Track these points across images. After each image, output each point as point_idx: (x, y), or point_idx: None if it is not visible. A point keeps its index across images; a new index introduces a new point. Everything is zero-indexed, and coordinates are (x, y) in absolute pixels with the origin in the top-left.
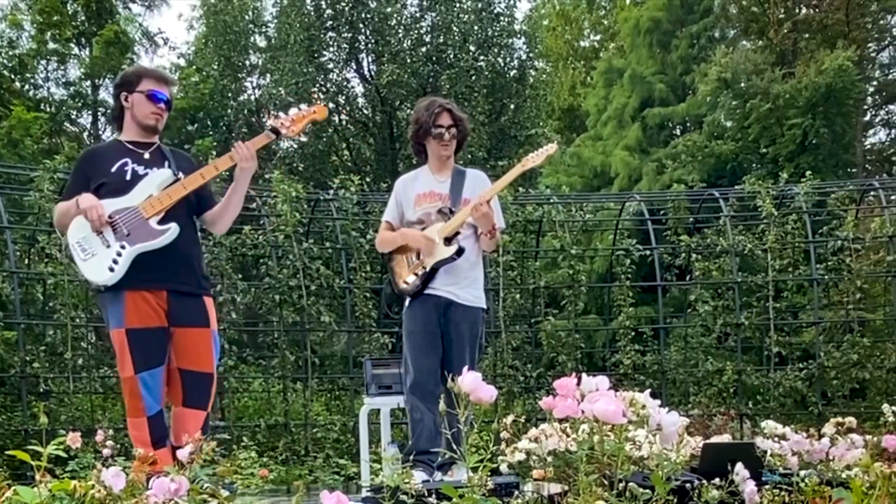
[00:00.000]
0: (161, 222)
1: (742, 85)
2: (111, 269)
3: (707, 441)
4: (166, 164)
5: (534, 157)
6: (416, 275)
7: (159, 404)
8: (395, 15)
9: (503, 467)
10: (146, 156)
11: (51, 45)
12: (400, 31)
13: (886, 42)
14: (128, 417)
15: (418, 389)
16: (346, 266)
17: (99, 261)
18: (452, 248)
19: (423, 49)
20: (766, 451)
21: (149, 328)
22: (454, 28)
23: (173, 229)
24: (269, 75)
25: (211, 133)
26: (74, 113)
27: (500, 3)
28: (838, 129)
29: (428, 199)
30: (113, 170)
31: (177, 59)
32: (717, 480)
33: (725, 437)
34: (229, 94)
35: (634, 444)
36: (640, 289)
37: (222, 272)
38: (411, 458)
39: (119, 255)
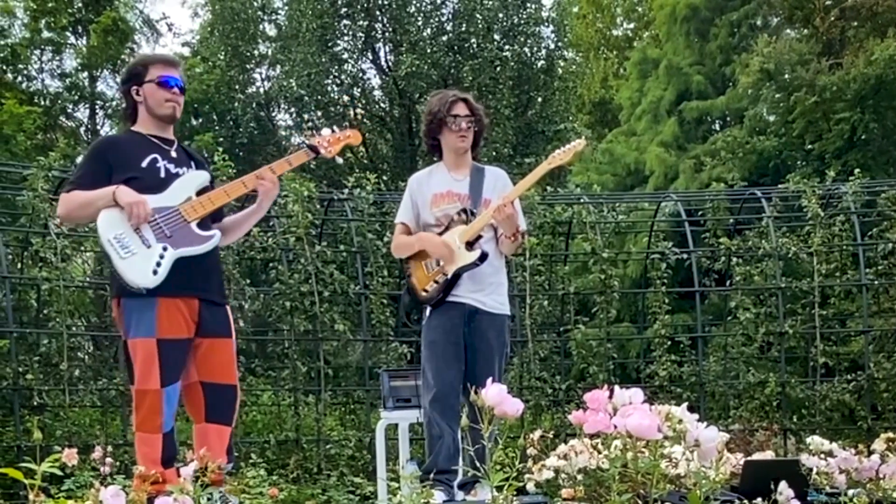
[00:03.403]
0: (200, 227)
1: (786, 77)
2: (154, 273)
3: (748, 458)
4: (193, 165)
5: (561, 153)
6: (436, 282)
7: (173, 422)
8: (415, 1)
9: (530, 486)
10: (173, 153)
11: (45, 34)
12: (419, 18)
13: None
14: (139, 432)
15: (439, 404)
16: (362, 270)
17: (141, 261)
18: (475, 254)
19: (445, 38)
20: (811, 469)
21: (179, 339)
22: (477, 15)
23: (216, 237)
24: (279, 66)
25: (217, 128)
26: (70, 106)
27: None
28: (889, 123)
29: (446, 200)
30: (144, 164)
31: (181, 48)
32: (759, 500)
33: (768, 454)
34: (237, 87)
35: (670, 461)
36: (677, 295)
37: (229, 277)
38: (431, 476)
39: (162, 257)
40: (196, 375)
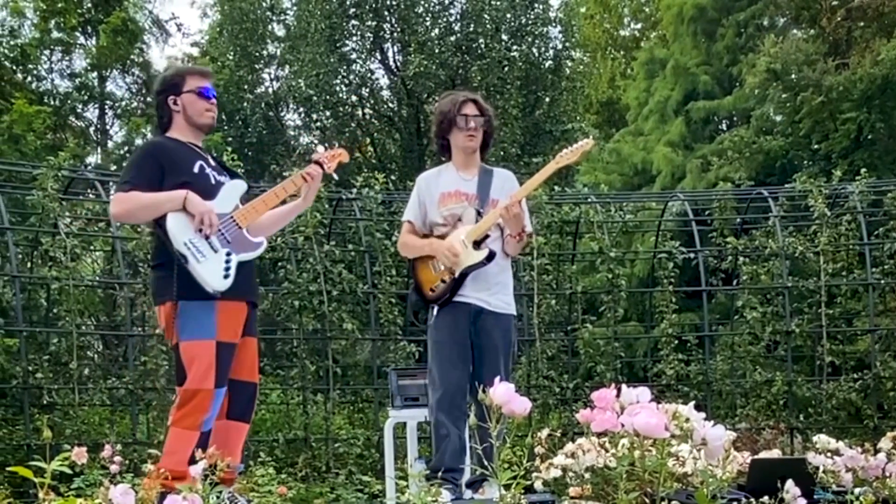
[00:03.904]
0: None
1: (792, 77)
2: (226, 276)
3: (755, 457)
4: (226, 174)
5: (568, 153)
6: (443, 281)
7: (211, 424)
8: (423, 2)
9: (537, 484)
10: (212, 161)
11: (55, 34)
12: (427, 19)
13: None
14: (176, 427)
15: (445, 403)
16: (371, 270)
17: (214, 265)
18: (482, 253)
19: (453, 38)
20: (818, 468)
21: (232, 344)
22: (485, 16)
23: (264, 243)
24: (287, 66)
25: (226, 127)
26: (80, 106)
27: None
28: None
29: (454, 199)
30: (195, 170)
31: (190, 49)
32: (766, 499)
33: (775, 453)
34: (245, 87)
35: (678, 459)
36: (684, 294)
37: None
38: (439, 475)
39: (228, 262)
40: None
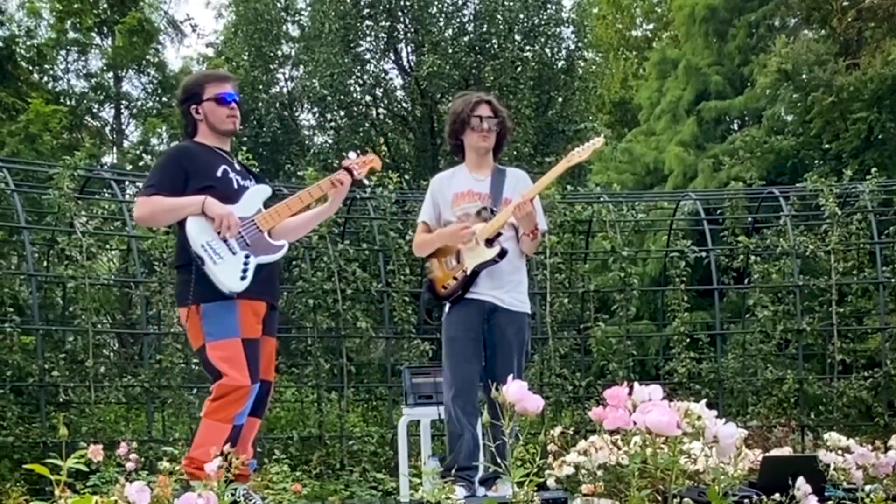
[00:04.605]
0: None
1: (803, 77)
2: (243, 278)
3: (766, 454)
4: (251, 178)
5: (579, 151)
6: (455, 279)
7: (243, 419)
8: (436, 2)
9: (550, 482)
10: (237, 165)
11: (71, 35)
12: (441, 19)
13: None
14: (210, 419)
15: (459, 400)
16: (384, 269)
17: (231, 267)
18: (494, 250)
19: (466, 38)
20: (828, 465)
21: (256, 340)
22: (498, 16)
23: (286, 246)
24: (302, 66)
25: (241, 127)
26: (96, 106)
27: None
28: None
29: (467, 199)
30: (218, 174)
31: (205, 49)
32: (777, 496)
33: (786, 450)
34: (260, 87)
35: (689, 457)
36: (696, 293)
37: None
38: (452, 472)
39: (246, 264)
40: None
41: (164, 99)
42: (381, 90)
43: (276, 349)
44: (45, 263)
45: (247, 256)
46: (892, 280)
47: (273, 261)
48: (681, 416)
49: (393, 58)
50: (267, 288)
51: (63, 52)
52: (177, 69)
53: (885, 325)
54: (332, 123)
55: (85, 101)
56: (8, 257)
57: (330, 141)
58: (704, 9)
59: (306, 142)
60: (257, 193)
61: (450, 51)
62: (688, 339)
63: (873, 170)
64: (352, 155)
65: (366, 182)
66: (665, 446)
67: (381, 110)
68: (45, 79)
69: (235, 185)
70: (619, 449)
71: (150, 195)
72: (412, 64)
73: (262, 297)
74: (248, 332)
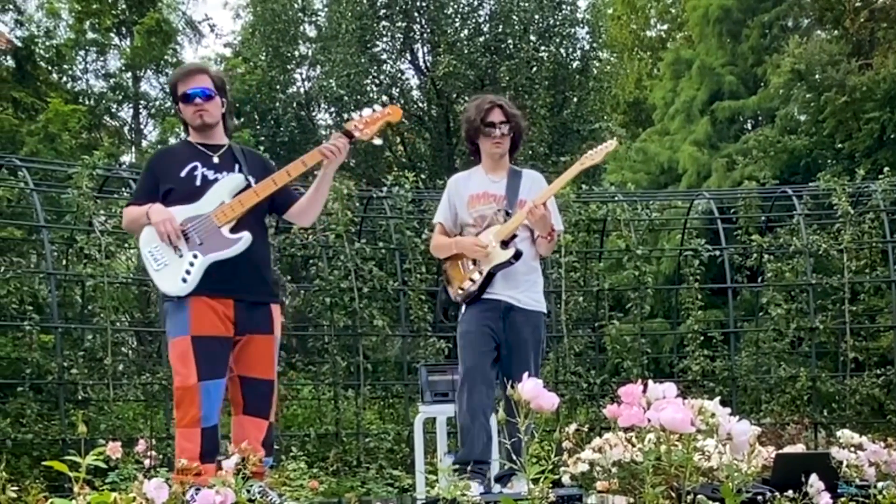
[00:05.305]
0: (233, 230)
1: (816, 77)
2: (184, 281)
3: (780, 451)
4: (237, 167)
5: (593, 154)
6: (472, 280)
7: (216, 418)
8: (452, 3)
9: (565, 479)
10: (215, 159)
11: (90, 35)
12: (457, 20)
13: None
14: (178, 427)
15: (473, 396)
16: (401, 267)
17: (172, 271)
18: (509, 252)
19: (481, 39)
20: (841, 462)
21: (214, 337)
22: (514, 17)
23: (246, 239)
24: (319, 66)
25: (258, 127)
26: (115, 106)
27: None
28: None
29: (482, 201)
30: (182, 174)
31: (223, 49)
32: (790, 492)
33: (799, 447)
34: (277, 87)
35: (703, 454)
36: (710, 291)
37: None
38: (468, 468)
39: (192, 265)
40: (236, 370)
41: None
42: (398, 90)
43: (271, 346)
44: (64, 262)
45: (194, 257)
46: None
47: (229, 256)
48: (695, 414)
49: (409, 58)
50: (232, 284)
51: (82, 53)
52: None
53: None
54: None
55: (103, 101)
56: (27, 256)
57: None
58: (718, 9)
59: (323, 141)
60: (225, 185)
61: (465, 51)
62: (702, 337)
63: (886, 169)
64: (365, 112)
65: (383, 181)
66: (679, 443)
67: None
68: (64, 79)
69: (198, 183)
70: (633, 446)
71: (128, 206)
72: (428, 64)
73: (224, 294)
74: (203, 330)
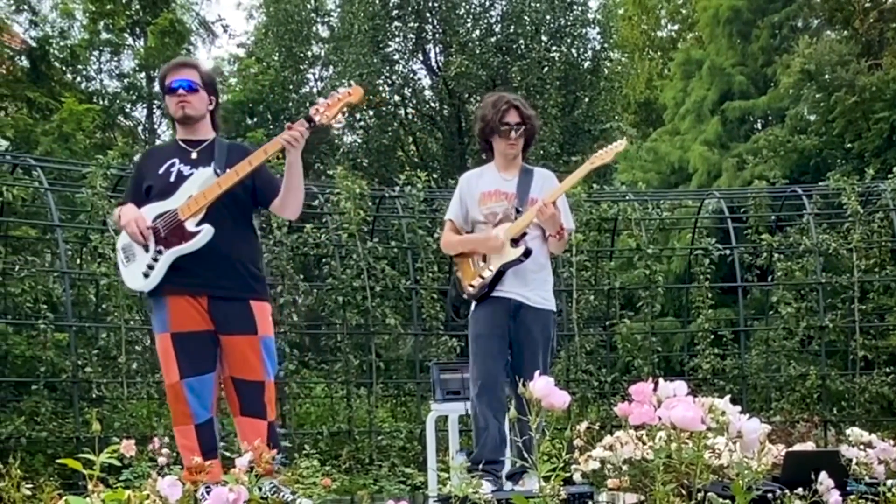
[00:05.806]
0: (200, 223)
1: (826, 77)
2: (145, 276)
3: (790, 449)
4: (213, 162)
5: (602, 154)
6: (482, 277)
7: (209, 412)
8: (464, 3)
9: (576, 476)
10: (193, 155)
11: (104, 36)
12: (468, 20)
13: None
14: (174, 426)
15: (485, 396)
16: (413, 266)
17: (136, 266)
18: (519, 250)
19: (493, 39)
20: (851, 460)
21: (194, 332)
22: (525, 17)
23: (206, 231)
24: (331, 67)
25: (271, 126)
26: (128, 106)
27: None
28: None
29: (493, 198)
30: (160, 172)
31: (236, 49)
32: (800, 490)
33: (809, 445)
34: (290, 87)
35: (714, 452)
36: (720, 290)
37: (283, 272)
38: (480, 467)
39: (155, 259)
40: (227, 370)
41: None
42: (410, 90)
43: (255, 346)
44: (78, 261)
45: (158, 252)
46: None
47: (191, 249)
48: (705, 412)
49: (421, 58)
50: (204, 278)
51: (96, 53)
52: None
53: None
54: (361, 123)
55: (117, 101)
56: (42, 255)
57: (359, 140)
58: (728, 10)
59: (336, 141)
60: (195, 180)
61: (477, 51)
62: (712, 336)
63: (895, 168)
64: (321, 100)
65: (395, 180)
66: (689, 441)
67: (409, 110)
68: (79, 79)
69: (172, 179)
70: (644, 444)
71: (118, 206)
72: (440, 64)
73: (193, 289)
74: (181, 326)
